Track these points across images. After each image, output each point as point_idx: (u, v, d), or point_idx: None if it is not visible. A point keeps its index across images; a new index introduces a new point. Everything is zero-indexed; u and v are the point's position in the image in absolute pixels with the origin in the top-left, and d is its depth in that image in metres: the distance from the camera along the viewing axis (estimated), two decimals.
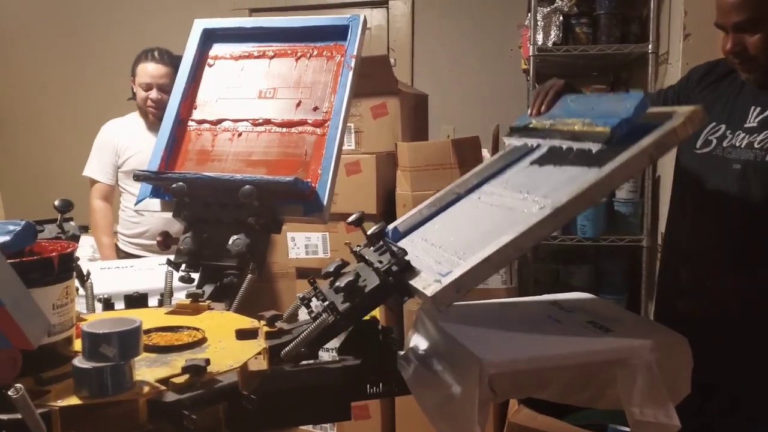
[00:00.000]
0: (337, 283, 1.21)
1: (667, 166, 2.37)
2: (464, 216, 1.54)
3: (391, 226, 1.55)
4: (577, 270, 3.05)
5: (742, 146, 1.53)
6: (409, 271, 1.23)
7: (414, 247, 1.44)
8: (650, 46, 2.77)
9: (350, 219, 1.37)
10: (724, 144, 1.56)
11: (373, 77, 2.79)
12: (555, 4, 2.91)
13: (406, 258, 1.23)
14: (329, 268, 1.30)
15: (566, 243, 2.92)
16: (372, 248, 1.32)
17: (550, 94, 1.61)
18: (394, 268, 1.21)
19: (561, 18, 2.91)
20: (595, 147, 1.31)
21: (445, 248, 1.37)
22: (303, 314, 1.33)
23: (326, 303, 1.21)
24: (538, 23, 2.90)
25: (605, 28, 2.89)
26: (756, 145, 1.51)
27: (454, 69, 3.87)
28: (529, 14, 2.92)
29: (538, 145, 1.61)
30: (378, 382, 1.24)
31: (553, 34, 2.90)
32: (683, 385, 1.25)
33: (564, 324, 1.37)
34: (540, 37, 2.90)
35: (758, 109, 1.54)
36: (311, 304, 1.29)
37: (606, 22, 2.89)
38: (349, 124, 2.89)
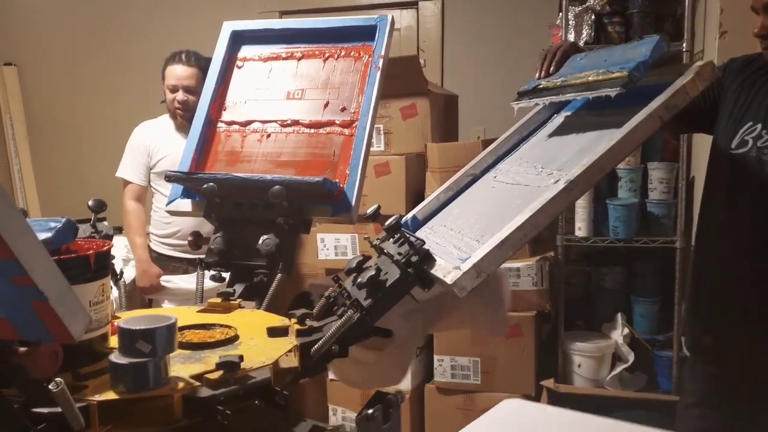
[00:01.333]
0: (359, 279, 1.20)
1: (701, 167, 2.32)
2: (481, 197, 1.52)
3: (409, 215, 1.54)
4: (609, 272, 3.01)
5: None
6: (429, 260, 1.21)
7: (434, 234, 1.43)
8: (685, 45, 2.73)
9: (367, 212, 1.35)
10: (759, 144, 1.53)
11: (403, 78, 2.79)
12: (587, 3, 2.88)
13: (425, 247, 1.21)
14: (351, 264, 1.29)
15: (598, 245, 2.88)
16: (391, 240, 1.30)
17: (558, 55, 1.57)
18: (414, 258, 1.20)
19: (593, 17, 2.87)
20: (613, 92, 1.28)
21: (464, 232, 1.35)
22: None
23: (351, 300, 1.20)
24: (570, 22, 2.87)
25: (638, 27, 2.85)
26: None
27: (484, 69, 3.84)
28: (561, 13, 2.89)
29: (552, 117, 1.57)
30: None
31: (584, 33, 2.87)
32: None
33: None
34: (572, 37, 2.87)
35: None
36: (337, 301, 1.28)
37: (639, 20, 2.85)
38: (378, 125, 2.89)
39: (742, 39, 2.12)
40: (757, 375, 1.50)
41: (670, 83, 1.27)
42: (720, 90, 1.65)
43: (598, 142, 1.29)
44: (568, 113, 1.59)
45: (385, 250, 1.30)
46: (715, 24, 2.47)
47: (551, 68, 1.58)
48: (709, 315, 1.62)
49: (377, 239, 1.37)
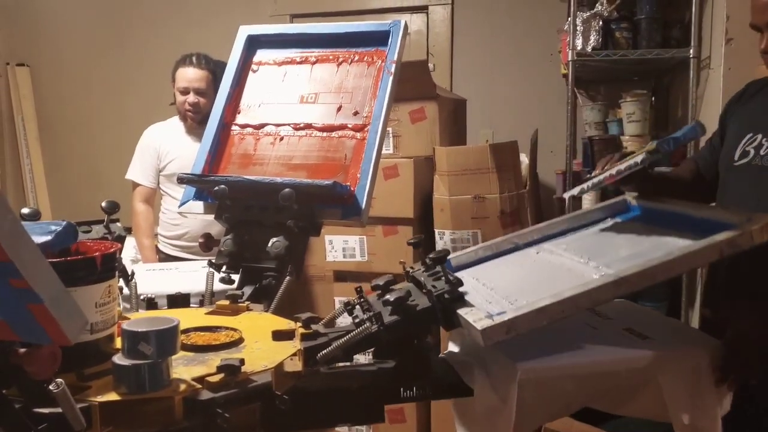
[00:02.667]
0: (387, 296, 1.23)
1: None
2: (520, 265, 1.57)
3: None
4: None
5: None
6: (461, 302, 1.25)
7: (465, 283, 1.45)
8: (692, 51, 2.74)
9: (410, 241, 1.45)
10: (761, 152, 1.55)
11: (412, 82, 2.80)
12: (595, 9, 2.89)
13: (460, 289, 1.26)
14: (379, 281, 1.31)
15: None
16: (425, 271, 1.34)
17: (616, 156, 1.63)
18: (447, 295, 1.24)
19: (601, 23, 2.89)
20: (640, 158, 1.36)
21: (497, 290, 1.39)
22: (340, 320, 1.36)
23: (372, 312, 1.23)
24: (578, 28, 2.89)
25: (646, 33, 2.86)
26: None
27: (493, 73, 3.86)
28: (569, 18, 2.90)
29: (605, 219, 1.66)
30: (412, 386, 1.25)
31: (592, 38, 2.88)
32: (726, 395, 1.24)
33: (600, 331, 1.39)
34: (579, 42, 2.89)
35: None
36: (354, 311, 1.31)
37: (646, 26, 2.87)
38: (387, 129, 2.91)
39: (748, 46, 2.14)
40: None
41: (733, 224, 1.30)
42: (724, 130, 1.71)
43: (654, 251, 1.33)
44: (622, 219, 1.64)
45: (418, 279, 1.34)
46: (722, 31, 2.48)
47: (608, 166, 1.62)
48: (721, 319, 1.62)
49: (411, 267, 1.41)
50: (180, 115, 2.95)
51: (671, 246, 1.31)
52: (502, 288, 1.40)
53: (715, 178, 1.70)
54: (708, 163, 1.75)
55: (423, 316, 1.24)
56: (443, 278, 1.28)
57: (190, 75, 2.88)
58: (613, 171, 1.49)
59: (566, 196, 1.69)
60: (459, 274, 1.53)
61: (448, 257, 1.56)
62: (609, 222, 1.66)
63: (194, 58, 2.90)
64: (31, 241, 0.78)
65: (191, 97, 2.86)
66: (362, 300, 1.30)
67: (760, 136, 1.57)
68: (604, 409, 1.29)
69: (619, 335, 1.35)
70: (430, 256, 1.34)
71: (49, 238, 1.08)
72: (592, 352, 1.29)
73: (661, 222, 1.50)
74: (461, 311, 1.23)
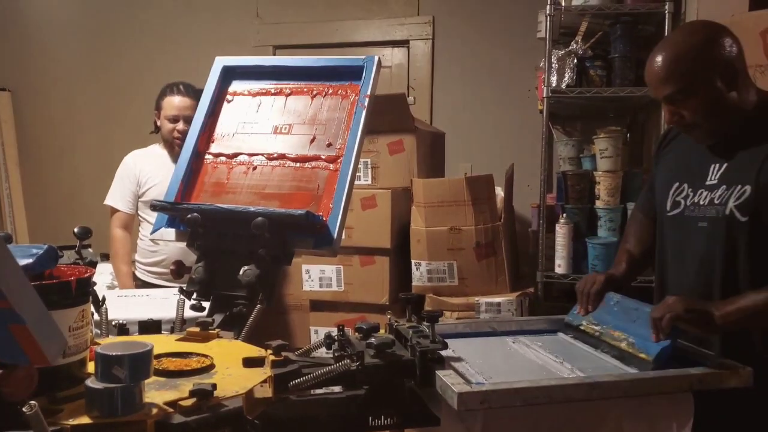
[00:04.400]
0: (372, 340, 1.28)
1: None
2: (495, 347, 1.68)
3: None
4: None
5: (705, 204, 1.58)
6: (441, 363, 1.31)
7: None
8: None
9: (404, 296, 1.55)
10: (688, 203, 1.62)
11: (391, 115, 2.85)
12: (570, 47, 2.97)
13: (443, 352, 1.31)
14: (363, 324, 1.35)
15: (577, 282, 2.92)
16: (409, 326, 1.41)
17: (593, 293, 1.71)
18: (431, 354, 1.29)
19: (575, 60, 2.96)
20: (636, 371, 1.45)
21: (472, 365, 1.46)
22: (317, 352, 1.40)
23: (353, 351, 1.27)
24: (553, 65, 2.95)
25: (619, 71, 2.93)
26: (716, 201, 1.56)
27: (473, 108, 3.92)
28: (544, 56, 2.97)
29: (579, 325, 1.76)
30: (380, 415, 1.27)
31: (567, 76, 2.95)
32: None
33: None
34: (554, 79, 2.95)
35: (717, 166, 1.60)
36: (332, 345, 1.36)
37: (620, 65, 2.94)
38: (366, 160, 2.94)
39: None
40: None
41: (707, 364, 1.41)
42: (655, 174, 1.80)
43: (623, 367, 1.47)
44: (599, 327, 1.71)
45: (401, 332, 1.40)
46: None
47: (590, 307, 1.72)
48: None
49: (396, 321, 1.48)
50: (166, 143, 2.96)
51: (641, 365, 1.45)
52: (477, 365, 1.47)
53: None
54: (650, 207, 1.84)
55: (403, 366, 1.28)
56: (429, 337, 1.33)
57: (179, 103, 2.89)
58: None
59: (563, 337, 1.80)
60: None
61: None
62: (582, 327, 1.74)
63: (182, 87, 2.92)
64: (16, 262, 0.79)
65: (181, 125, 2.86)
66: (343, 337, 1.34)
67: (686, 186, 1.65)
68: None
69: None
70: (424, 312, 1.39)
71: (30, 260, 1.09)
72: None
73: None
74: (440, 372, 1.28)
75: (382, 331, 1.43)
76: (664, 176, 1.75)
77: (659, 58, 1.58)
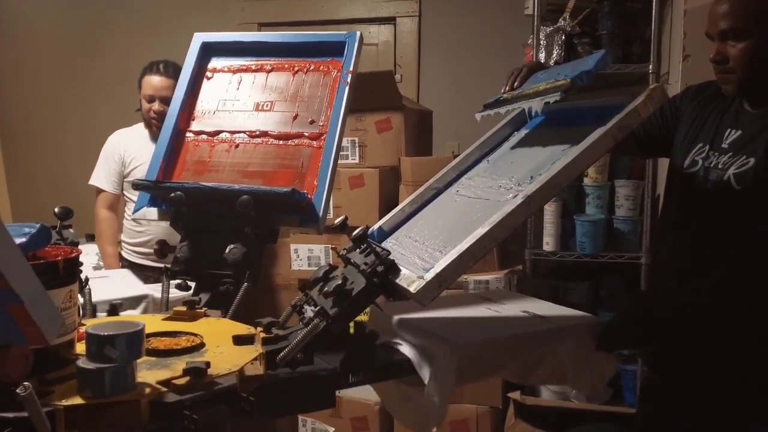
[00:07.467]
0: (326, 288, 1.24)
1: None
2: (444, 210, 1.58)
3: (375, 226, 1.59)
4: (577, 286, 3.06)
5: (718, 166, 1.57)
6: (394, 270, 1.26)
7: (399, 245, 1.48)
8: (651, 67, 2.79)
9: (335, 223, 1.42)
10: (706, 164, 1.60)
11: (378, 92, 2.83)
12: (558, 24, 2.94)
13: (390, 258, 1.26)
14: (318, 273, 1.32)
15: (566, 259, 2.93)
16: (358, 251, 1.34)
17: (524, 71, 1.67)
18: (379, 268, 1.25)
19: (563, 37, 2.94)
20: (555, 97, 1.39)
21: (428, 243, 1.41)
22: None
23: (317, 308, 1.24)
24: (541, 42, 2.93)
25: (607, 48, 2.91)
26: (720, 166, 1.55)
27: (459, 86, 3.90)
28: (532, 34, 2.95)
29: (512, 134, 1.69)
30: (359, 372, 1.26)
31: (555, 53, 2.93)
32: (610, 359, 1.43)
33: (503, 314, 1.51)
34: (543, 56, 2.93)
35: (732, 131, 1.59)
36: (303, 310, 1.31)
37: (608, 42, 2.92)
38: (353, 138, 2.93)
39: (704, 62, 2.19)
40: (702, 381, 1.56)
41: (625, 105, 1.34)
42: (677, 115, 1.72)
43: (554, 159, 1.37)
44: (528, 129, 1.65)
45: (351, 260, 1.34)
46: (679, 48, 2.54)
47: (515, 83, 1.66)
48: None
49: (344, 249, 1.40)
50: (145, 122, 2.95)
51: (570, 146, 1.37)
52: (432, 240, 1.42)
53: (653, 153, 1.73)
54: (652, 140, 1.77)
55: (362, 296, 1.24)
56: (372, 253, 1.29)
57: (156, 83, 2.87)
58: (531, 107, 1.52)
59: (477, 116, 1.72)
60: (393, 237, 1.57)
61: (379, 225, 1.60)
62: (516, 135, 1.69)
63: (161, 66, 2.90)
64: (13, 241, 0.78)
65: (156, 105, 2.85)
66: (308, 298, 1.31)
67: (707, 147, 1.62)
68: (515, 380, 1.47)
69: (520, 316, 1.48)
70: (353, 235, 1.34)
71: (23, 240, 1.07)
72: (503, 328, 1.41)
73: (564, 121, 1.54)
74: (398, 280, 1.25)
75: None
76: (689, 131, 1.69)
77: None
